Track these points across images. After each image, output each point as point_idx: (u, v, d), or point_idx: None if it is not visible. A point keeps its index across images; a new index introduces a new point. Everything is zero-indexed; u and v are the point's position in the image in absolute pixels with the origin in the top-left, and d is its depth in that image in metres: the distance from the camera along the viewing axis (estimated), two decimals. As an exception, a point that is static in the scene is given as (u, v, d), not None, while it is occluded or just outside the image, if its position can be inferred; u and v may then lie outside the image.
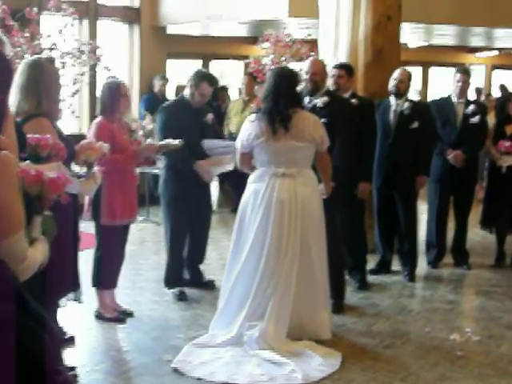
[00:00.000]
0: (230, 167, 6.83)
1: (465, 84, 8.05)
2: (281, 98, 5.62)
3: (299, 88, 6.04)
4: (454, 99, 8.08)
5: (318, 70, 6.52)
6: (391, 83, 7.64)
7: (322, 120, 6.17)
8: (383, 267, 7.95)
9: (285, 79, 5.73)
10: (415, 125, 7.54)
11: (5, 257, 2.61)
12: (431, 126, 7.77)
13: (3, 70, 2.78)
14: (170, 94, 12.68)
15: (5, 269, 2.48)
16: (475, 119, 7.96)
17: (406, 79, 7.68)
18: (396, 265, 7.99)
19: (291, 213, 5.58)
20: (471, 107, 8.02)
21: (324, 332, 5.75)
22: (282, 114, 5.60)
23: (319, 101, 6.45)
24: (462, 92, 8.06)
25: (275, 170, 5.64)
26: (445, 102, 8.17)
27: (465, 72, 8.15)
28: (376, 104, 7.64)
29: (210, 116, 7.01)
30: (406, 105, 7.59)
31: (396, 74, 7.67)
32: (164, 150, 6.50)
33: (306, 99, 6.53)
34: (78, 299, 5.26)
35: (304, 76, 6.57)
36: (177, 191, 6.76)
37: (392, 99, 7.67)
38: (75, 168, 5.19)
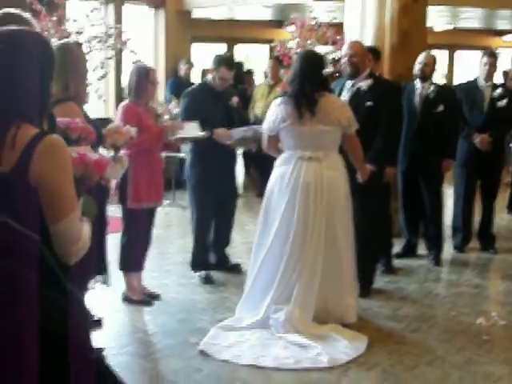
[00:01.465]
0: (252, 146, 6.88)
1: (492, 67, 7.99)
2: (307, 82, 5.61)
3: (326, 71, 6.02)
4: (481, 83, 8.02)
5: (357, 52, 6.47)
6: (416, 67, 7.60)
7: (368, 103, 6.17)
8: (409, 251, 7.94)
9: (311, 62, 5.72)
10: (440, 108, 7.51)
11: (60, 238, 2.65)
12: (456, 110, 7.72)
13: (49, 54, 2.81)
14: (195, 78, 12.69)
15: (32, 243, 2.51)
16: (502, 103, 7.91)
17: (432, 63, 7.64)
18: (422, 249, 7.97)
19: (317, 196, 5.58)
20: (498, 91, 7.96)
21: (349, 316, 5.75)
22: (308, 97, 5.58)
23: (363, 84, 6.42)
24: (489, 75, 8.00)
25: (301, 154, 5.63)
26: (472, 86, 8.11)
27: (492, 55, 8.08)
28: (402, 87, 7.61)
29: (235, 99, 7.03)
30: (432, 88, 7.56)
31: (421, 57, 7.63)
32: (188, 141, 6.55)
33: (348, 82, 6.51)
34: (105, 282, 5.30)
35: (342, 59, 6.54)
36: (202, 175, 6.78)
37: (417, 83, 7.63)
38: (102, 152, 5.22)
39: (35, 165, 2.60)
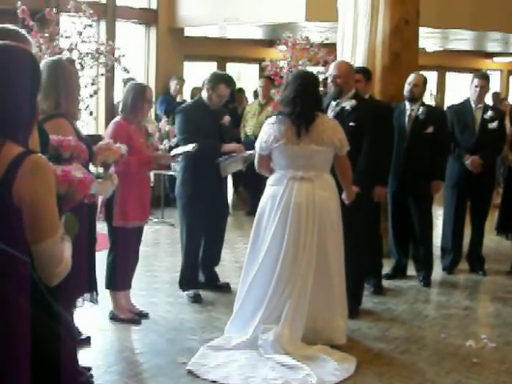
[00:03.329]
0: (240, 167, 6.91)
1: (483, 89, 8.01)
2: (309, 101, 5.60)
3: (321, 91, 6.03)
4: (473, 104, 8.05)
5: (342, 73, 6.47)
6: (406, 88, 7.63)
7: (350, 124, 6.17)
8: (398, 272, 7.92)
9: (310, 82, 5.72)
10: (430, 130, 7.53)
11: (42, 259, 2.62)
12: (446, 131, 7.75)
13: (37, 72, 2.78)
14: (186, 96, 12.69)
15: (23, 266, 2.48)
16: (493, 125, 7.93)
17: (421, 84, 7.67)
18: (411, 270, 7.96)
19: (308, 216, 5.56)
20: (489, 113, 7.99)
21: (339, 337, 5.72)
22: (308, 117, 5.58)
23: (347, 104, 6.43)
24: (480, 97, 8.03)
25: (293, 174, 5.61)
26: (463, 107, 8.14)
27: (483, 77, 8.12)
28: (392, 107, 7.64)
29: (226, 118, 7.03)
30: (421, 109, 7.58)
31: (411, 78, 7.65)
32: (178, 157, 6.54)
33: (333, 103, 6.52)
34: (93, 300, 5.26)
35: (328, 79, 6.56)
36: (194, 193, 6.76)
37: (407, 104, 7.65)
38: (91, 169, 5.19)
39: (19, 184, 2.57)
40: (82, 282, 4.82)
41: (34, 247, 2.61)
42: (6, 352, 2.33)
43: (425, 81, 7.77)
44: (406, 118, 7.64)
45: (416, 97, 7.63)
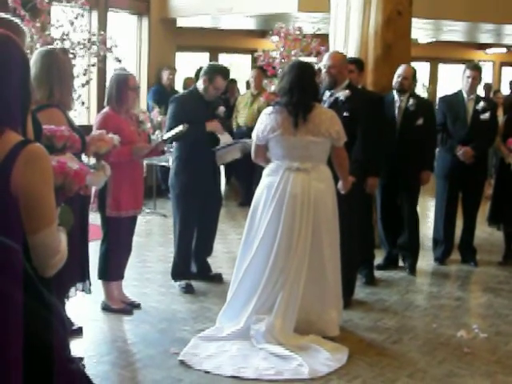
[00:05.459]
0: (237, 155, 6.91)
1: (475, 80, 8.01)
2: (306, 91, 5.59)
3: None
4: (465, 95, 8.05)
5: (336, 63, 6.47)
6: (395, 79, 7.63)
7: (344, 114, 6.17)
8: (390, 262, 7.94)
9: (308, 72, 5.72)
10: (420, 121, 7.56)
11: (39, 249, 2.61)
12: (434, 123, 7.79)
13: (23, 57, 2.77)
14: (178, 86, 12.67)
15: (15, 256, 2.47)
16: (485, 116, 7.94)
17: (410, 76, 7.68)
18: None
19: (303, 208, 5.56)
20: (481, 104, 7.99)
21: (331, 329, 5.72)
22: (305, 106, 5.58)
23: (341, 95, 6.43)
24: (472, 88, 8.03)
25: (290, 164, 5.61)
26: (455, 98, 8.14)
27: (475, 68, 8.12)
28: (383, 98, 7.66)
29: (221, 109, 7.05)
30: (411, 101, 7.59)
31: (400, 70, 7.66)
32: (171, 140, 6.50)
33: (327, 93, 6.52)
34: (86, 290, 5.26)
35: (322, 69, 6.56)
36: (187, 183, 6.75)
37: (396, 95, 7.66)
38: (84, 159, 5.18)
39: (17, 174, 2.55)
40: (74, 271, 4.82)
41: (31, 237, 2.60)
42: None
43: (414, 73, 7.78)
44: (396, 110, 7.65)
45: (405, 89, 7.65)
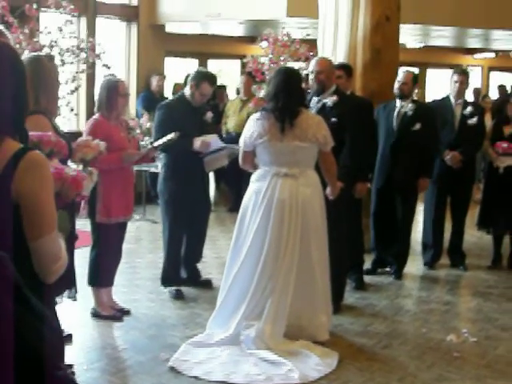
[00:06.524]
0: (225, 162, 6.89)
1: (462, 85, 8.04)
2: (291, 96, 5.60)
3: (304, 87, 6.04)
4: (452, 100, 8.08)
5: (324, 69, 6.49)
6: (395, 85, 7.64)
7: (332, 119, 6.18)
8: (378, 267, 7.92)
9: (293, 78, 5.74)
10: (417, 126, 7.54)
11: (41, 256, 2.62)
12: (433, 128, 7.73)
13: (21, 66, 2.79)
14: (168, 92, 12.67)
15: (5, 264, 2.47)
16: (473, 120, 7.96)
17: (410, 81, 7.68)
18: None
19: (291, 213, 5.56)
20: (469, 108, 8.01)
21: (321, 334, 5.73)
22: (291, 111, 5.59)
23: (328, 100, 6.44)
24: (460, 93, 8.05)
25: (277, 170, 5.62)
26: (443, 103, 8.17)
27: (462, 73, 8.15)
28: (382, 106, 7.67)
29: (209, 114, 7.05)
30: (410, 106, 7.59)
31: (400, 75, 7.67)
32: (161, 148, 6.49)
33: (314, 99, 6.53)
34: (72, 297, 5.23)
35: (310, 75, 6.57)
36: (176, 189, 6.75)
37: (397, 101, 7.67)
38: (70, 165, 5.16)
39: (18, 181, 2.56)
40: (64, 279, 4.80)
41: (33, 244, 2.61)
42: None
43: (414, 78, 7.79)
44: (395, 115, 7.65)
45: (405, 94, 7.65)
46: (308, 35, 10.46)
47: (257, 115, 5.77)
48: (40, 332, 2.43)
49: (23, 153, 2.61)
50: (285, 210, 5.57)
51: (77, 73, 8.82)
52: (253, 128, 5.68)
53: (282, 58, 9.93)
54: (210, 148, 6.75)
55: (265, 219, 5.58)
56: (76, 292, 5.25)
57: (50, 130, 4.53)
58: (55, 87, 4.85)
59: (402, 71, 7.73)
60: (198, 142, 6.65)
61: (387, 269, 7.94)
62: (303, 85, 6.09)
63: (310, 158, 5.71)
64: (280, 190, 5.58)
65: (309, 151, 5.67)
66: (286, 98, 5.59)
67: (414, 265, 8.18)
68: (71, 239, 4.96)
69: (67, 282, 5.00)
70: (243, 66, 12.26)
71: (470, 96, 14.93)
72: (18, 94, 2.73)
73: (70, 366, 4.90)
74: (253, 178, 5.79)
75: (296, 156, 5.62)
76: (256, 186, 5.70)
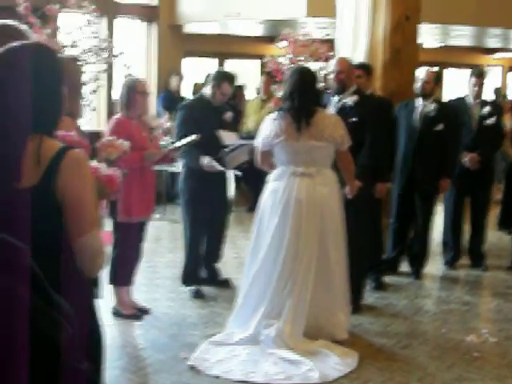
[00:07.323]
0: (246, 158, 6.88)
1: (480, 87, 7.99)
2: (307, 96, 5.62)
3: (320, 87, 6.04)
4: (470, 100, 8.04)
5: (344, 69, 6.51)
6: (418, 84, 7.61)
7: (353, 119, 6.19)
8: (388, 268, 7.86)
9: (308, 77, 5.74)
10: (440, 127, 7.49)
11: (86, 252, 2.69)
12: (456, 128, 7.69)
13: (60, 67, 2.87)
14: (186, 92, 12.70)
15: (23, 255, 2.50)
16: (491, 120, 7.91)
17: (432, 80, 7.63)
18: (404, 266, 7.94)
19: (309, 212, 5.58)
20: (487, 108, 7.96)
21: (340, 333, 5.74)
22: (308, 111, 5.60)
23: (349, 100, 6.45)
24: (478, 95, 8.01)
25: (294, 169, 5.63)
26: (460, 104, 8.12)
27: (480, 75, 8.08)
28: (403, 104, 7.63)
29: (228, 114, 7.06)
30: (432, 106, 7.55)
31: (422, 74, 7.63)
32: (181, 149, 6.51)
33: (335, 98, 6.54)
34: (97, 295, 5.25)
35: (330, 75, 6.58)
36: (196, 189, 6.78)
37: (418, 100, 7.64)
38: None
39: (62, 179, 2.63)
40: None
41: (78, 240, 2.67)
42: (5, 340, 2.35)
43: (437, 77, 7.74)
44: (417, 115, 7.60)
45: (427, 93, 7.60)
46: (327, 35, 10.45)
47: (273, 115, 5.80)
48: (58, 322, 2.46)
49: (65, 151, 2.67)
50: (302, 209, 5.58)
51: (98, 73, 8.87)
52: (269, 128, 5.70)
53: (301, 58, 9.93)
54: (215, 169, 6.73)
55: (283, 218, 5.59)
56: (101, 290, 5.27)
57: (75, 130, 4.56)
58: (79, 89, 4.88)
59: (424, 69, 7.69)
60: (205, 160, 6.65)
61: (404, 269, 7.90)
62: (320, 84, 6.09)
63: (326, 157, 5.72)
64: (297, 189, 5.59)
65: (325, 150, 5.68)
66: (301, 97, 5.61)
67: (434, 265, 8.17)
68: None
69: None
70: (262, 65, 12.28)
71: (490, 95, 14.88)
72: (57, 93, 2.79)
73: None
74: (270, 177, 5.80)
75: (312, 155, 5.63)
76: (273, 186, 5.71)
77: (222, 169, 6.71)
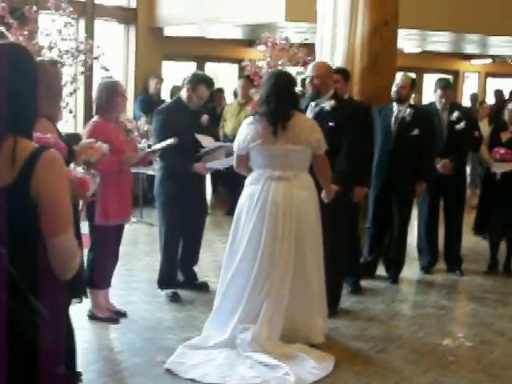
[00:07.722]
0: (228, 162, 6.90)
1: (448, 98, 8.07)
2: (283, 100, 5.61)
3: (297, 91, 6.04)
4: (438, 106, 8.09)
5: (320, 74, 6.49)
6: (393, 89, 7.64)
7: (330, 124, 6.19)
8: (368, 271, 7.90)
9: (286, 81, 5.75)
10: (416, 131, 7.54)
11: (59, 253, 2.68)
12: (432, 133, 7.74)
13: (36, 68, 2.86)
14: (165, 95, 12.68)
15: (1, 258, 2.49)
16: (460, 125, 7.96)
17: (408, 85, 7.68)
18: (381, 270, 7.97)
19: (285, 216, 5.57)
20: (455, 114, 8.01)
21: (316, 337, 5.73)
22: (284, 115, 5.60)
23: (326, 105, 6.45)
24: (445, 105, 8.07)
25: (271, 173, 5.63)
26: (431, 109, 8.16)
27: (445, 87, 8.11)
28: (377, 109, 7.66)
29: (204, 117, 7.04)
30: (408, 111, 7.59)
31: (397, 79, 7.68)
32: (160, 153, 6.50)
33: (312, 103, 6.54)
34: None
35: (306, 80, 6.59)
36: (173, 192, 6.76)
37: (394, 105, 7.67)
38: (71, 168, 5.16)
39: (37, 180, 2.62)
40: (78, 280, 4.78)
41: (52, 241, 2.66)
42: None
43: (412, 82, 7.79)
44: (393, 119, 7.64)
45: (403, 98, 7.64)
46: (306, 39, 10.48)
47: (249, 119, 5.79)
48: (36, 325, 2.44)
49: (40, 152, 2.66)
50: (279, 212, 5.57)
51: (75, 75, 8.83)
52: (246, 132, 5.70)
53: (279, 62, 9.93)
54: (211, 170, 6.78)
55: (259, 222, 5.58)
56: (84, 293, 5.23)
57: (54, 133, 4.53)
58: (58, 92, 4.85)
59: (400, 75, 7.74)
60: (199, 166, 6.67)
61: (382, 273, 7.93)
62: (298, 89, 6.09)
63: (303, 160, 5.72)
64: (274, 192, 5.59)
65: (302, 154, 5.68)
66: (277, 101, 5.60)
67: (411, 269, 8.20)
68: (78, 242, 4.95)
69: (82, 283, 4.99)
70: (241, 69, 12.28)
71: (466, 101, 14.99)
72: (32, 94, 2.77)
73: (80, 373, 4.85)
74: (247, 181, 5.80)
75: (289, 159, 5.63)
76: (250, 190, 5.71)
77: (220, 166, 6.74)
